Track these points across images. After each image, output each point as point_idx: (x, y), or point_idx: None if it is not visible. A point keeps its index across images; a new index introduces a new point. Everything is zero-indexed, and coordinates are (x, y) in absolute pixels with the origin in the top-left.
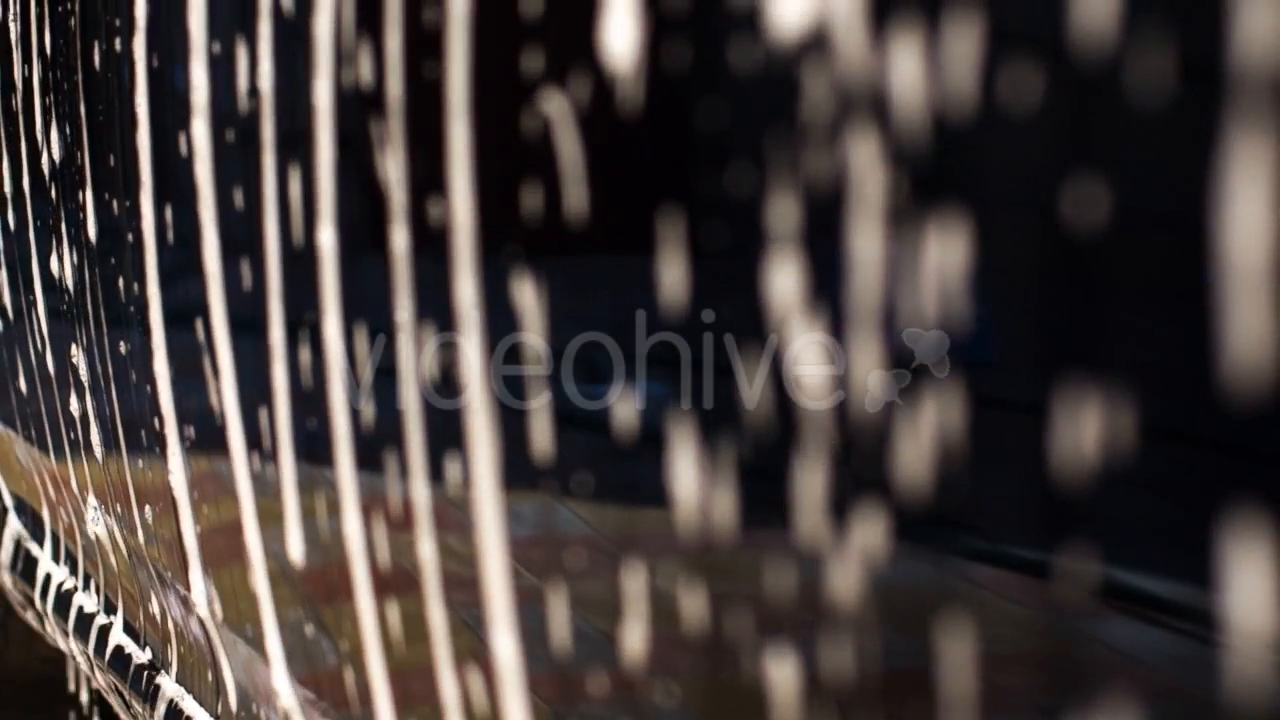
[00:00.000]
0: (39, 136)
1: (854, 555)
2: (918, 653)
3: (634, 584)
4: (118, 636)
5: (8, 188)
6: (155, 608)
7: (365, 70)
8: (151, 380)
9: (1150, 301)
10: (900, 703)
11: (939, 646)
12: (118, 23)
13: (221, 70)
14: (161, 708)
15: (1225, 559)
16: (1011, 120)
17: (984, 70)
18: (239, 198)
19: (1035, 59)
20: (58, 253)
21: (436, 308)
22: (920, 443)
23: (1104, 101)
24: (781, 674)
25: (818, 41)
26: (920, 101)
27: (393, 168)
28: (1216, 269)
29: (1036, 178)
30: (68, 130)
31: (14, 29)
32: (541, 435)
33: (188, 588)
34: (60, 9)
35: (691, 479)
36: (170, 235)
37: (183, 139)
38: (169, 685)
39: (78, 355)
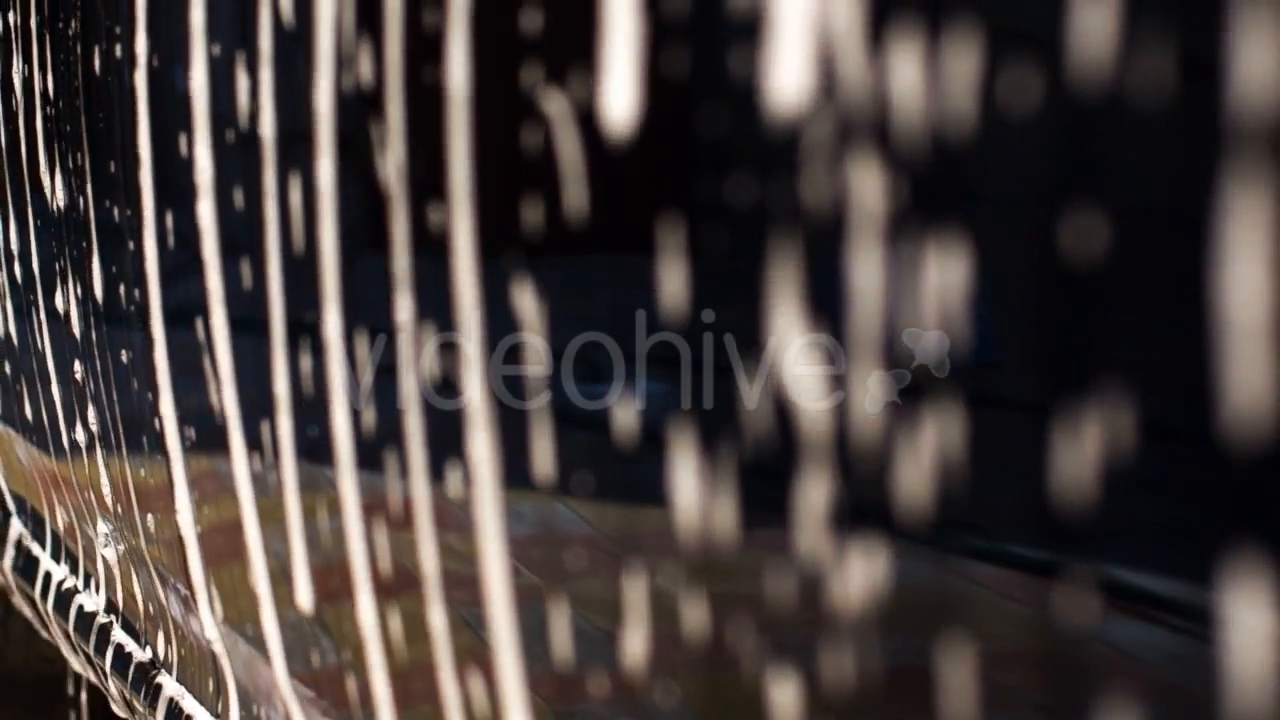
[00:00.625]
0: (39, 144)
1: (856, 556)
2: (920, 655)
3: (635, 584)
4: (118, 636)
5: (8, 191)
6: (155, 607)
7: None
8: (152, 381)
9: (1153, 306)
10: (902, 706)
11: (942, 649)
12: (118, 29)
13: (222, 80)
14: (162, 707)
15: (1228, 560)
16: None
17: (982, 83)
18: (239, 200)
19: (1034, 68)
20: (59, 255)
21: (437, 308)
22: (923, 444)
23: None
24: (781, 675)
25: (819, 57)
26: (919, 113)
27: (393, 168)
28: (1216, 275)
29: (1037, 189)
30: (68, 135)
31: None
32: (542, 435)
33: (188, 587)
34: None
35: (691, 480)
36: (171, 239)
37: (183, 148)
38: (170, 685)
39: (80, 369)
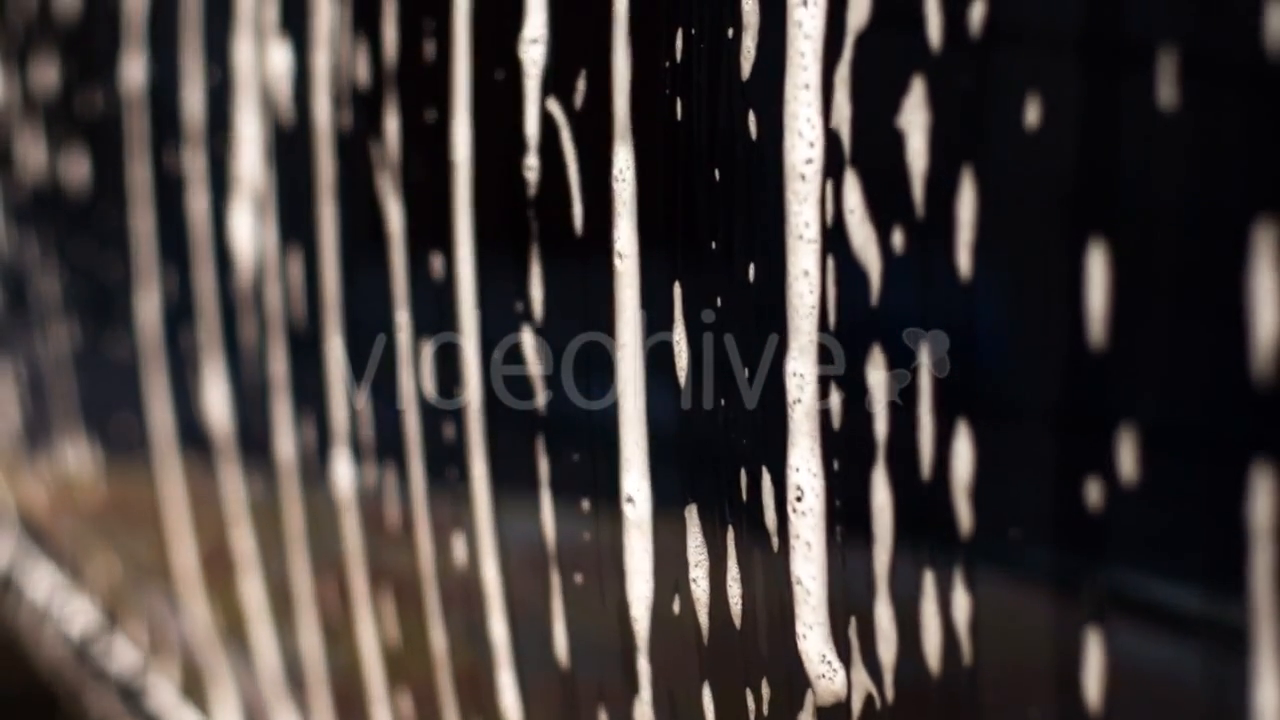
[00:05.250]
0: (43, 159)
1: (858, 556)
2: (923, 658)
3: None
4: (117, 645)
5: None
6: (154, 618)
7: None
8: (149, 386)
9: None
10: (905, 713)
11: (949, 652)
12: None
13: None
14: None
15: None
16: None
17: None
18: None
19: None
20: (59, 254)
21: (435, 309)
22: (924, 443)
23: None
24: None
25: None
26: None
27: (392, 173)
28: (1232, 278)
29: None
30: (69, 153)
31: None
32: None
33: (187, 598)
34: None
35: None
36: (170, 242)
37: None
38: (167, 696)
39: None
